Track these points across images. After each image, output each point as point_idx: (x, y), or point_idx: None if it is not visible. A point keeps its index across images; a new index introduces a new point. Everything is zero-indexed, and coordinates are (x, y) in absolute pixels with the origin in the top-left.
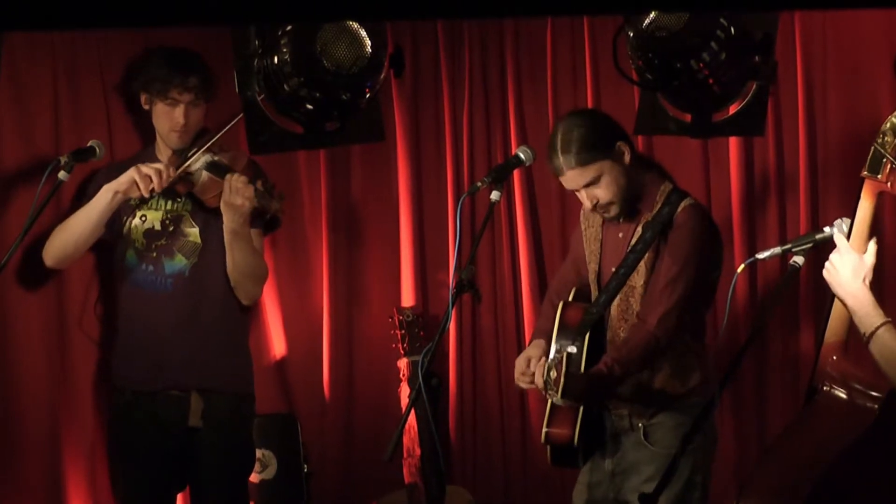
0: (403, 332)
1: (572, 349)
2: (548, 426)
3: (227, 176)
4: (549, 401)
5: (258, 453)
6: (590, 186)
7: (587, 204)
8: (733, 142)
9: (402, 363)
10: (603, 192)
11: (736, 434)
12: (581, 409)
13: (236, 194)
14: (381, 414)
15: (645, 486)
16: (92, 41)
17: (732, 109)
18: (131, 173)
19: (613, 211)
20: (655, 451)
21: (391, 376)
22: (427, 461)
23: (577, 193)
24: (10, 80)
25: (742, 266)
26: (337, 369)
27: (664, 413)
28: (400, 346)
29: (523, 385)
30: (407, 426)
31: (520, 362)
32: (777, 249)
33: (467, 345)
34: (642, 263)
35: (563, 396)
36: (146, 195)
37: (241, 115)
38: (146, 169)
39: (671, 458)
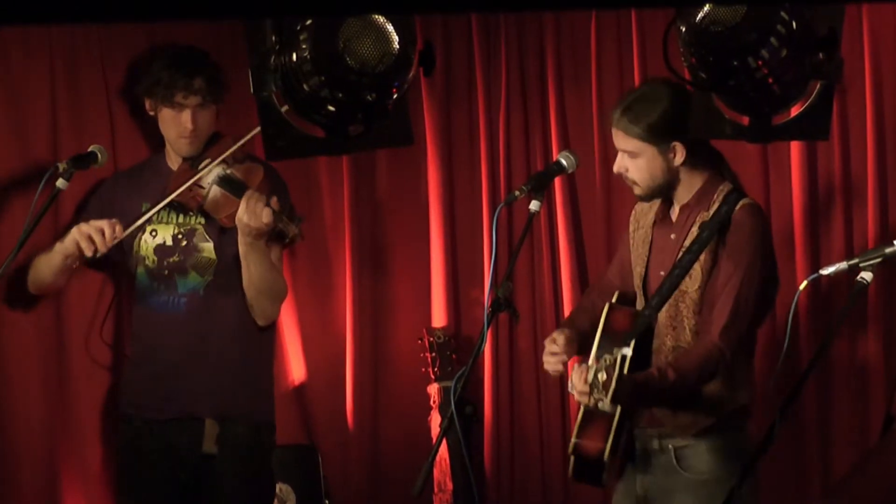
0: (434, 354)
1: (627, 351)
2: (578, 436)
3: (244, 197)
4: (581, 408)
5: (276, 488)
6: (625, 155)
7: (616, 167)
8: (795, 147)
9: (433, 389)
10: (633, 170)
11: (797, 466)
12: (615, 421)
13: (251, 217)
14: (410, 445)
15: None
16: (93, 36)
17: (794, 111)
18: (73, 234)
19: (637, 191)
20: (689, 478)
21: (420, 403)
22: (460, 496)
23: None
24: (3, 78)
25: (805, 283)
26: (361, 396)
27: (697, 437)
28: (430, 370)
29: (550, 367)
30: (438, 458)
31: (547, 342)
32: (843, 265)
33: (504, 369)
34: (697, 266)
35: (613, 401)
36: (91, 255)
37: (259, 128)
38: (86, 228)
39: (707, 485)
